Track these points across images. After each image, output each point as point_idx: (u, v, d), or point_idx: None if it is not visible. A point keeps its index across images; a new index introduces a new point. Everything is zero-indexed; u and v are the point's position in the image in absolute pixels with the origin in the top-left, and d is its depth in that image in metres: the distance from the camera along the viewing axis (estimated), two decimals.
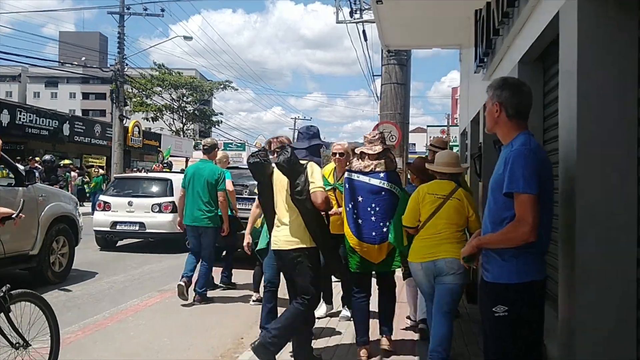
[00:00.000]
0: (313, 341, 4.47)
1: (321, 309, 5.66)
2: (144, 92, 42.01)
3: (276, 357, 4.10)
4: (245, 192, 9.01)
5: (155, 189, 11.41)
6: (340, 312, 5.87)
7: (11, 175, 7.35)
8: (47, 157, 12.08)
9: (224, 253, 8.28)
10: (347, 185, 4.51)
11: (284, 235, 4.09)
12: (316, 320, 5.30)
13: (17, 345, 3.46)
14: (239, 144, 36.30)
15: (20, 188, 6.99)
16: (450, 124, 33.76)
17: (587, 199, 2.58)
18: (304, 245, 4.00)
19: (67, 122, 26.69)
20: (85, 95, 77.44)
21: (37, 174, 7.40)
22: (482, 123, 6.58)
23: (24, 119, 23.28)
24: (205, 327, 5.82)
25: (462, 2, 6.30)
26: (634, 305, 2.55)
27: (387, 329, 4.72)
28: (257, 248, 5.10)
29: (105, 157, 29.34)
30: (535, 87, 2.86)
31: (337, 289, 6.18)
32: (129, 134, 30.17)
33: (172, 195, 11.02)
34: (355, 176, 4.46)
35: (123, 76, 24.80)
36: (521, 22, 3.93)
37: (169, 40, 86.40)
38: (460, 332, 5.18)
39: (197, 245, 6.91)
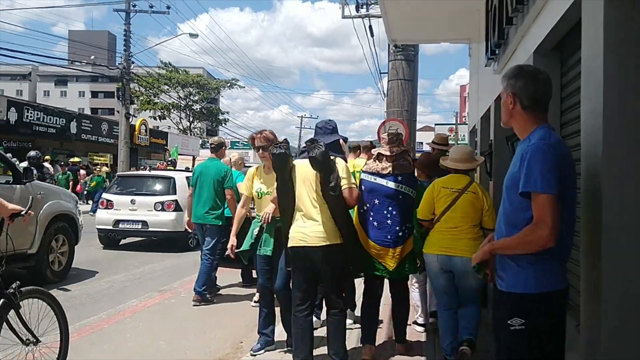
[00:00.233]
0: (315, 349, 4.25)
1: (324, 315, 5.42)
2: (151, 91, 42.01)
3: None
4: None
5: (158, 187, 11.24)
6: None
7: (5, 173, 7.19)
8: (32, 153, 11.89)
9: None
10: (362, 187, 4.34)
11: (315, 232, 3.88)
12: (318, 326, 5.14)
13: (27, 341, 3.48)
14: (246, 143, 36.20)
15: (18, 185, 6.84)
16: (458, 122, 33.39)
17: (613, 198, 2.32)
18: (336, 242, 3.88)
19: (75, 120, 26.63)
20: (94, 94, 77.69)
21: (34, 172, 7.20)
22: (492, 119, 6.33)
23: (31, 116, 23.22)
24: (204, 330, 5.62)
25: None
26: None
27: (401, 336, 4.66)
28: (241, 249, 4.78)
29: (110, 155, 29.27)
30: (552, 79, 2.60)
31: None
32: (136, 132, 30.10)
33: (175, 194, 10.88)
34: (371, 178, 4.32)
35: (129, 74, 24.68)
36: (537, 9, 3.67)
37: (177, 40, 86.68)
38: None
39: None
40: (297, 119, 58.76)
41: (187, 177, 11.75)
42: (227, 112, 53.35)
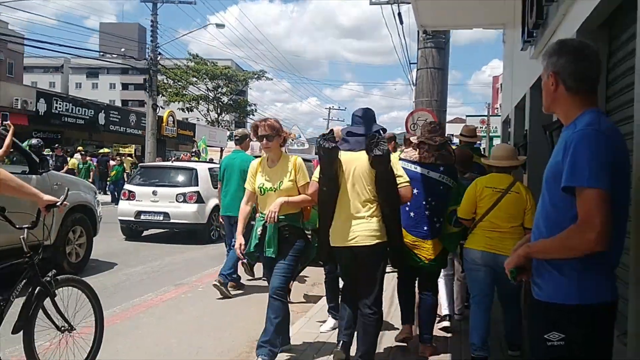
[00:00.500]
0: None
1: (327, 324, 5.03)
2: (179, 83, 42.21)
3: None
4: None
5: (180, 178, 11.08)
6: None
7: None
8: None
9: None
10: None
11: (364, 230, 3.67)
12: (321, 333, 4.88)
13: (62, 328, 3.58)
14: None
15: (34, 176, 6.71)
16: (490, 114, 32.57)
17: None
18: (384, 240, 3.72)
19: (103, 111, 26.88)
20: (125, 86, 78.65)
21: (50, 162, 7.07)
22: (527, 108, 5.92)
23: (60, 108, 23.49)
24: (219, 327, 5.39)
25: None
26: None
27: (429, 336, 4.41)
28: (246, 251, 4.24)
29: (134, 146, 29.43)
30: None
31: None
32: (164, 124, 30.24)
33: (197, 185, 10.72)
34: (411, 166, 4.18)
35: (156, 65, 24.70)
36: None
37: (207, 32, 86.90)
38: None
39: (232, 236, 6.59)
40: (325, 110, 58.07)
41: (210, 169, 11.62)
42: (255, 105, 53.35)
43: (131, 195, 10.86)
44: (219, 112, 47.41)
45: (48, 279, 3.49)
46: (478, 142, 7.06)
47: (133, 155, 26.45)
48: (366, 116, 3.92)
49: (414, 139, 4.45)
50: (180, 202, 10.56)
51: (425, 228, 4.15)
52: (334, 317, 4.95)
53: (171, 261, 8.81)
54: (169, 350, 4.75)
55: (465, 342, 4.67)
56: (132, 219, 10.69)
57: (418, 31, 10.43)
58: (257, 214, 4.28)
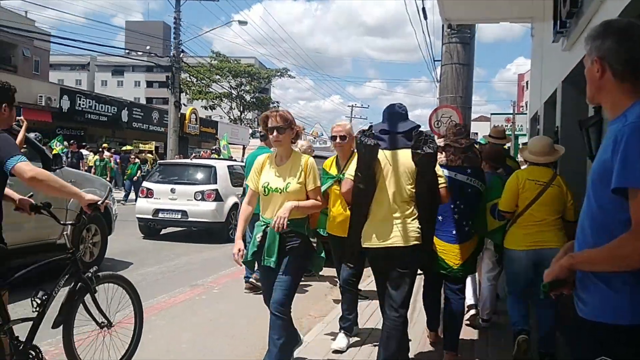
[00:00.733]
0: None
1: (342, 341, 4.54)
2: (202, 81, 42.36)
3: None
4: None
5: (199, 176, 10.93)
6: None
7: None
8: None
9: None
10: None
11: (403, 230, 3.48)
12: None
13: (102, 324, 3.65)
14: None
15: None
16: (515, 112, 31.93)
17: None
18: (419, 242, 3.53)
19: (126, 108, 27.05)
20: (149, 84, 79.32)
21: (64, 159, 6.96)
22: (559, 104, 5.59)
23: (83, 104, 23.68)
24: (233, 331, 5.20)
25: None
26: None
27: (453, 345, 4.16)
28: (243, 259, 3.73)
29: (155, 143, 29.49)
30: None
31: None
32: (186, 121, 30.32)
33: (216, 183, 10.57)
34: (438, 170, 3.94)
35: (179, 62, 24.72)
36: None
37: (231, 30, 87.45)
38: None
39: None
40: (347, 108, 57.67)
41: (229, 166, 11.47)
42: (278, 102, 53.38)
43: (149, 193, 10.74)
44: (241, 109, 47.51)
45: (89, 275, 3.55)
46: (508, 143, 6.73)
47: (154, 152, 26.51)
48: (401, 112, 3.66)
49: (439, 142, 4.29)
50: (199, 200, 10.41)
51: (454, 232, 4.05)
52: (346, 335, 4.60)
53: (188, 261, 8.67)
54: (179, 355, 4.57)
55: (492, 348, 4.54)
56: (150, 217, 10.54)
57: (443, 26, 10.11)
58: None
